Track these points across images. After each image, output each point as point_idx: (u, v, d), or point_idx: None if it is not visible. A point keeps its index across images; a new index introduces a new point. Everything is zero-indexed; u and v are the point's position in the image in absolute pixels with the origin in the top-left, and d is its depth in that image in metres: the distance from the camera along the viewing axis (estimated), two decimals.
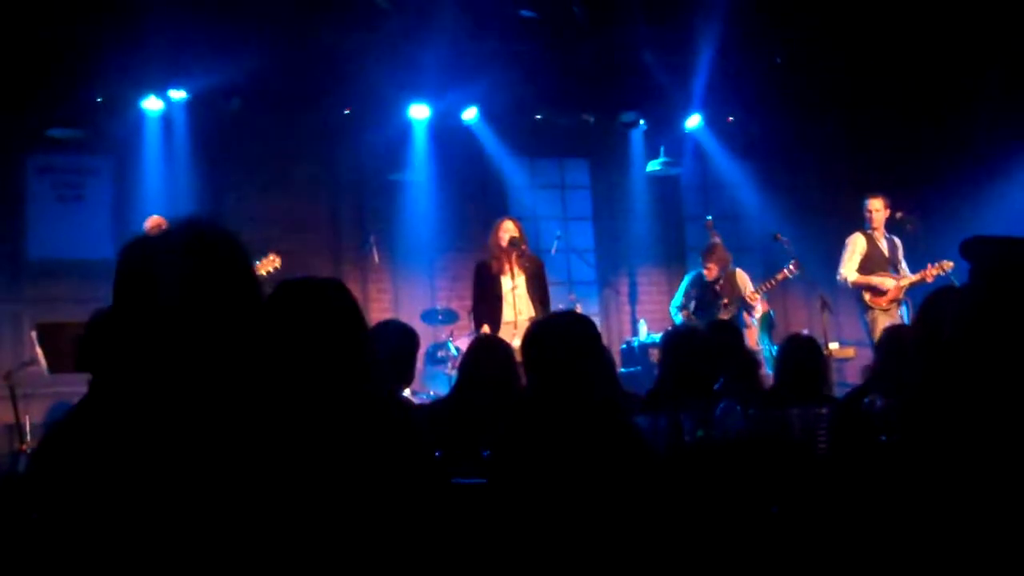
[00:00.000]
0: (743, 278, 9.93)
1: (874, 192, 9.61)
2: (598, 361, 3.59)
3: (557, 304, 10.26)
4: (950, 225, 9.32)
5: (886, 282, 9.27)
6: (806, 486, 3.35)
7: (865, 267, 9.37)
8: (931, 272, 9.09)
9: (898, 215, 9.55)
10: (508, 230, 8.70)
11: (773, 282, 9.87)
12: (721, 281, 9.75)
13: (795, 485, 3.33)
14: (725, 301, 9.67)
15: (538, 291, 8.67)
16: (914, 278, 9.22)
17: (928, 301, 4.36)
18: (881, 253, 9.44)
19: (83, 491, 1.96)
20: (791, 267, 9.65)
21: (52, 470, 2.04)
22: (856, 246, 9.44)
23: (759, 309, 9.92)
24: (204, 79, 10.28)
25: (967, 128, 11.90)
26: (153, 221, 8.46)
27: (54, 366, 7.66)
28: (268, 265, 8.52)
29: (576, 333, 3.59)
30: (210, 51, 9.73)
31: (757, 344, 9.63)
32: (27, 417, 8.38)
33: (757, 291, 9.77)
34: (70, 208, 10.78)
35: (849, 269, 9.37)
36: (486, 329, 8.35)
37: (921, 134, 12.36)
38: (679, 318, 9.89)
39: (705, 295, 9.80)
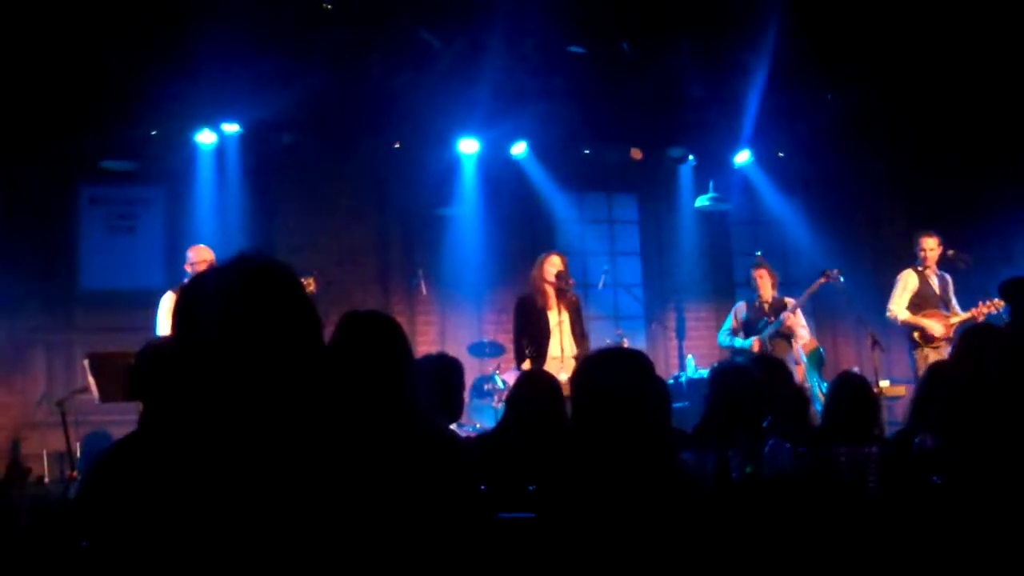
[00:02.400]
0: (792, 304, 9.93)
1: (928, 230, 9.55)
2: (649, 397, 3.56)
3: (604, 339, 10.25)
4: (1001, 263, 9.22)
5: (936, 326, 9.18)
6: (856, 527, 3.30)
7: (916, 304, 9.30)
8: (982, 310, 9.00)
9: (950, 253, 9.48)
10: (555, 264, 8.70)
11: (816, 286, 9.86)
12: (770, 301, 9.79)
13: (845, 526, 3.28)
14: (771, 319, 9.67)
15: (580, 328, 8.71)
16: (965, 316, 9.13)
17: (965, 338, 4.32)
18: (932, 290, 9.37)
19: (132, 520, 1.97)
20: (834, 272, 9.65)
21: (102, 498, 2.05)
22: (907, 283, 9.39)
23: (805, 337, 9.89)
24: (257, 113, 10.41)
25: (1019, 165, 11.78)
26: (196, 250, 8.53)
27: (105, 395, 7.73)
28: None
29: (629, 369, 3.56)
30: (263, 86, 9.85)
31: (806, 381, 9.56)
32: (78, 444, 8.46)
33: (798, 304, 9.78)
34: (122, 239, 10.92)
35: (899, 306, 9.30)
36: (527, 365, 8.34)
37: (972, 171, 12.24)
38: (736, 342, 9.90)
39: (754, 316, 9.83)
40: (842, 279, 9.80)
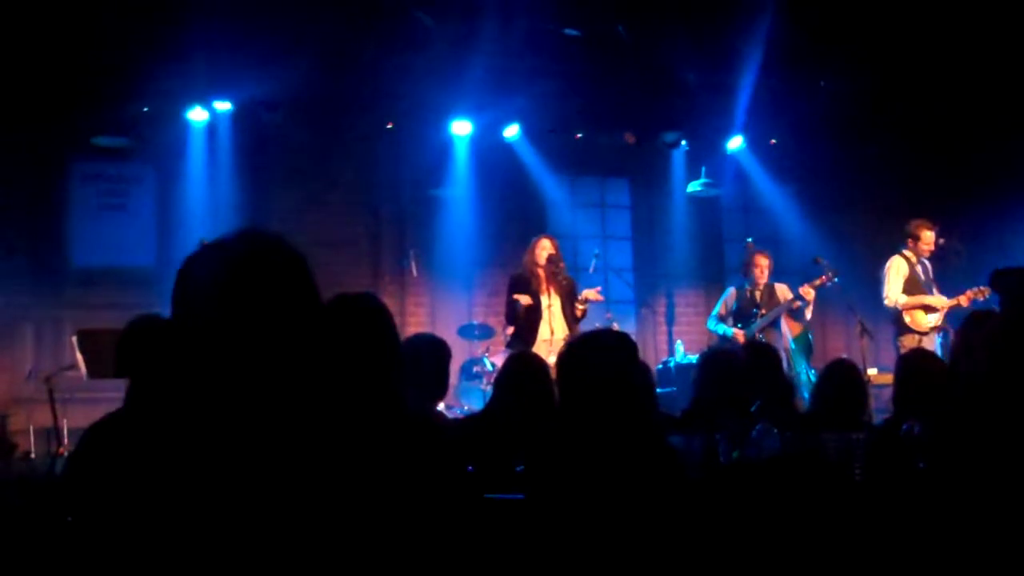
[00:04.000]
0: (783, 291, 9.90)
1: (928, 221, 9.51)
2: (634, 379, 3.57)
3: (594, 323, 10.24)
4: (993, 252, 9.24)
5: (939, 301, 9.21)
6: (842, 512, 3.31)
7: (907, 290, 9.31)
8: (968, 296, 9.04)
9: (941, 241, 9.48)
10: (546, 247, 8.72)
11: (812, 286, 9.79)
12: (761, 288, 9.75)
13: (831, 511, 3.29)
14: (763, 311, 9.64)
15: (572, 310, 8.71)
16: (951, 302, 9.16)
17: (965, 326, 4.33)
18: (919, 277, 9.39)
19: (118, 495, 1.97)
20: (830, 274, 9.60)
21: (88, 474, 2.05)
22: (899, 269, 9.37)
23: (807, 315, 9.83)
24: (249, 91, 10.38)
25: (1011, 154, 11.79)
26: None
27: (93, 372, 7.72)
28: None
29: (613, 350, 3.56)
30: (255, 64, 9.81)
31: (793, 368, 9.56)
32: (65, 421, 8.45)
33: (809, 286, 9.69)
34: (113, 216, 10.88)
35: (896, 291, 9.28)
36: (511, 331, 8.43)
37: (965, 160, 12.26)
38: (720, 328, 9.88)
39: (744, 305, 9.79)
40: (837, 280, 9.71)
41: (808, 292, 9.59)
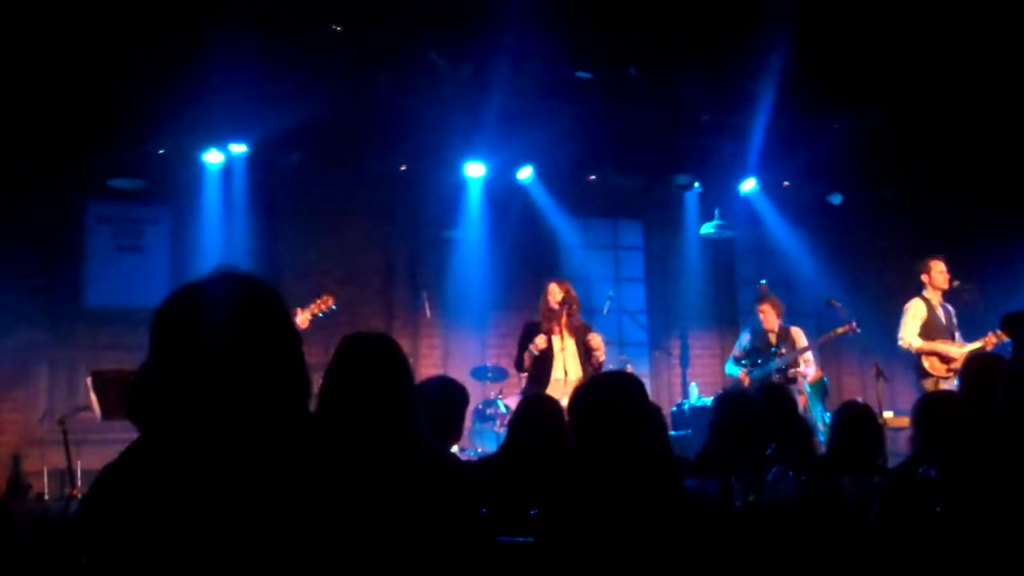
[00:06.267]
0: (798, 334, 9.91)
1: (937, 254, 9.49)
2: (644, 420, 3.56)
3: (607, 365, 10.21)
4: (1008, 294, 9.19)
5: (951, 349, 9.13)
6: (860, 556, 3.28)
7: (925, 334, 9.23)
8: (991, 340, 8.96)
9: (955, 283, 9.43)
10: (554, 292, 8.74)
11: (831, 335, 9.88)
12: (776, 331, 9.78)
13: (849, 554, 3.26)
14: (782, 351, 9.66)
15: (586, 352, 8.70)
16: (975, 345, 9.07)
17: (968, 369, 4.30)
18: (940, 320, 9.31)
19: (132, 536, 1.96)
20: (853, 324, 9.64)
21: (102, 515, 2.04)
22: (917, 312, 9.31)
23: (811, 374, 9.87)
24: (264, 134, 10.42)
25: None
26: None
27: (107, 413, 7.72)
28: (322, 305, 8.72)
29: (622, 392, 3.56)
30: (271, 107, 9.87)
31: (808, 411, 9.53)
32: (79, 462, 8.44)
33: (811, 347, 9.80)
34: (129, 257, 10.92)
35: (911, 334, 9.21)
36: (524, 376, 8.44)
37: (978, 203, 12.24)
38: (735, 370, 9.91)
39: (760, 344, 9.80)
40: (859, 331, 9.78)
41: (807, 360, 9.77)
